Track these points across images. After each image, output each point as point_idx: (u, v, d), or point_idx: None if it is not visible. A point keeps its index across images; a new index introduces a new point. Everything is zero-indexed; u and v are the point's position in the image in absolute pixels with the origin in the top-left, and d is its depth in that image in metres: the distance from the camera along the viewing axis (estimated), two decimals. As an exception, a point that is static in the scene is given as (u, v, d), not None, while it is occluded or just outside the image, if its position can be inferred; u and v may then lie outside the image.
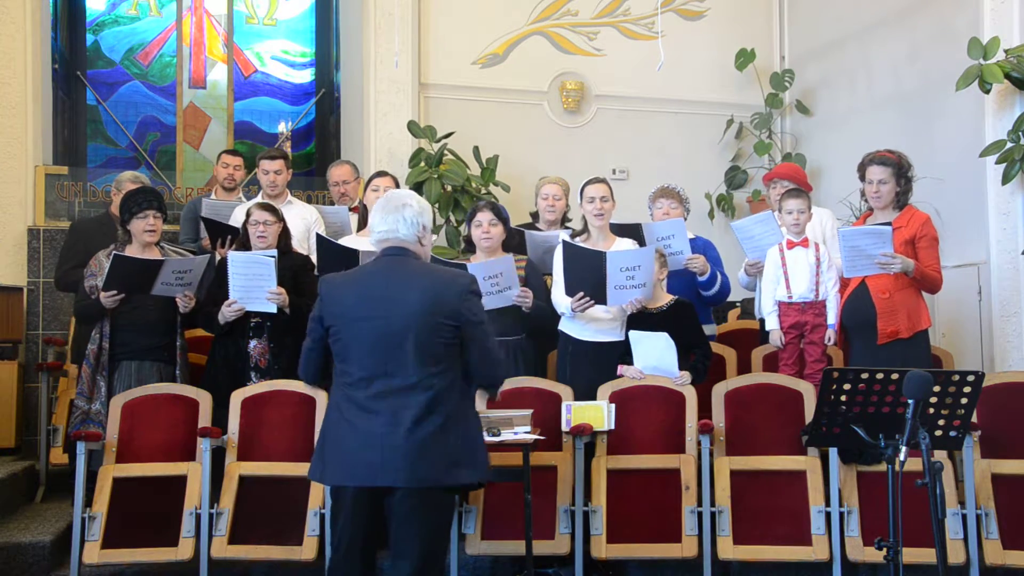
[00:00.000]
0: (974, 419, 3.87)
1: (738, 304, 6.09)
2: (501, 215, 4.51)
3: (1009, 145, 5.18)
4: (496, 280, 4.28)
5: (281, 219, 4.68)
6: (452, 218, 6.42)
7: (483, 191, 6.40)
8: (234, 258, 4.44)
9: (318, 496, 4.07)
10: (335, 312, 3.01)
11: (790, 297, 4.48)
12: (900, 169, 4.38)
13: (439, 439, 2.89)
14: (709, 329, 4.84)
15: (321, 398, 4.25)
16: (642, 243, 4.63)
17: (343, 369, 3.00)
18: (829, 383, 2.95)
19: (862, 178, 4.48)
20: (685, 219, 4.88)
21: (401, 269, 3.00)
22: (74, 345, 5.34)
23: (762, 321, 4.94)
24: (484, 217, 4.46)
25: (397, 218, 3.03)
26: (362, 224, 5.05)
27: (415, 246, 3.06)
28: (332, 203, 5.87)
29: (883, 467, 3.04)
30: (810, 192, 4.86)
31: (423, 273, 3.02)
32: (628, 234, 4.68)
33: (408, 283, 2.96)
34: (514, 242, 4.63)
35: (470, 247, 4.64)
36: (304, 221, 5.29)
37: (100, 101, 6.94)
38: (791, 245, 4.52)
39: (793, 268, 4.48)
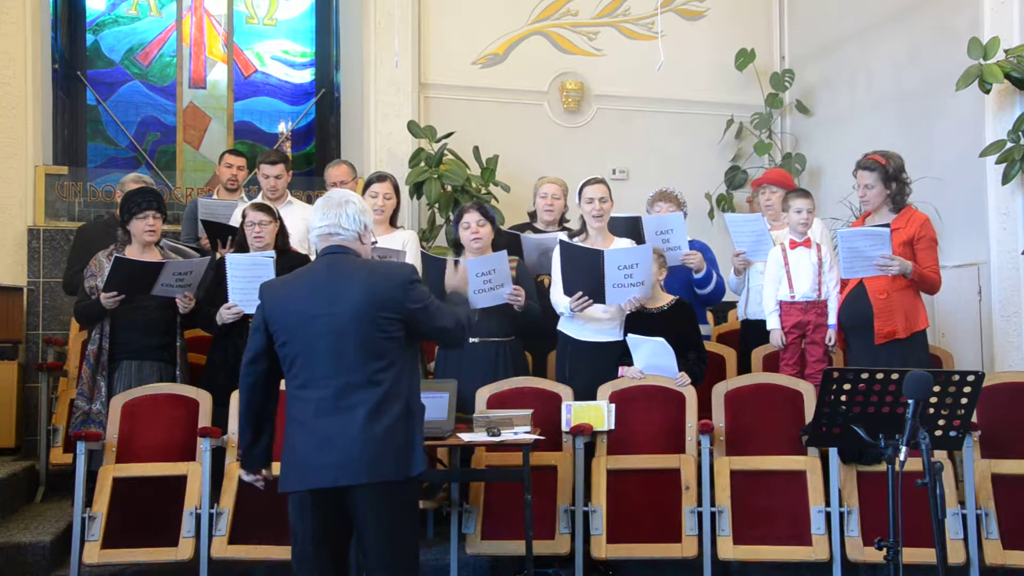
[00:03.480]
0: (974, 419, 3.87)
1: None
2: (488, 215, 4.48)
3: (1009, 145, 5.18)
4: (489, 277, 4.26)
5: (277, 219, 4.68)
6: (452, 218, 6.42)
7: (483, 191, 6.40)
8: (233, 261, 4.43)
9: (318, 496, 4.07)
10: (278, 315, 2.96)
11: (793, 297, 4.48)
12: (887, 172, 4.35)
13: (392, 434, 2.86)
14: (704, 329, 4.85)
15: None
16: (641, 236, 4.62)
17: (292, 373, 2.96)
18: (829, 383, 2.94)
19: None
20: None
21: (341, 266, 2.97)
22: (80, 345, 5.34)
23: (744, 322, 4.97)
24: (472, 218, 4.43)
25: (339, 213, 3.00)
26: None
27: (356, 244, 3.03)
28: (332, 203, 5.86)
29: (883, 467, 3.04)
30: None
31: (363, 269, 2.99)
32: (628, 227, 4.68)
33: (349, 279, 2.93)
34: (502, 241, 4.61)
35: (458, 249, 4.61)
36: (305, 222, 5.24)
37: (100, 101, 6.93)
38: (794, 245, 4.52)
39: (796, 268, 4.49)
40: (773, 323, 4.53)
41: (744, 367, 4.84)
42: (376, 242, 4.48)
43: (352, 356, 2.87)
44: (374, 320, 2.88)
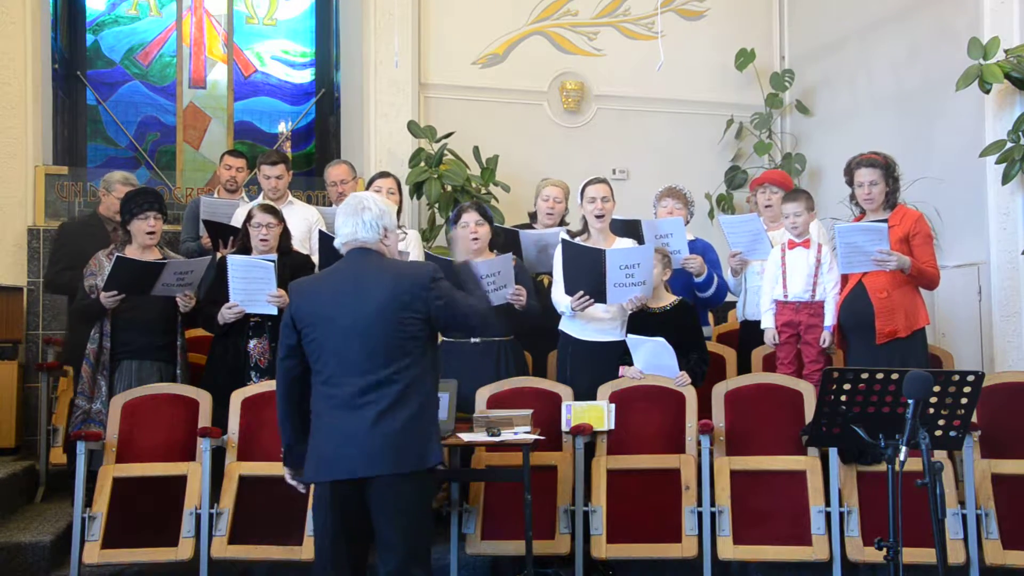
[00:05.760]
0: (974, 419, 3.87)
1: (738, 304, 6.09)
2: (486, 214, 4.51)
3: (1009, 145, 5.18)
4: (494, 279, 4.28)
5: (282, 220, 4.69)
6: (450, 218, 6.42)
7: (483, 191, 6.40)
8: (234, 263, 4.43)
9: (318, 496, 4.07)
10: (304, 313, 3.06)
11: (785, 296, 4.49)
12: (888, 169, 4.42)
13: (410, 427, 2.96)
14: (705, 329, 4.85)
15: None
16: (640, 239, 4.63)
17: (317, 368, 3.05)
18: (829, 383, 2.95)
19: (850, 182, 4.50)
20: (688, 221, 4.90)
21: (366, 267, 3.07)
22: (67, 345, 5.31)
23: (744, 323, 4.97)
24: (470, 217, 4.46)
25: (356, 221, 3.10)
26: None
27: (378, 246, 3.13)
28: (331, 203, 5.87)
29: (883, 467, 3.04)
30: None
31: (387, 269, 3.08)
32: (627, 230, 4.68)
33: (374, 281, 3.03)
34: (499, 241, 4.63)
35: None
36: (306, 222, 5.30)
37: (100, 101, 6.93)
38: (792, 245, 4.53)
39: (792, 268, 4.50)
40: (767, 322, 4.55)
41: (744, 367, 4.84)
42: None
43: (375, 354, 2.97)
44: (398, 320, 2.98)
